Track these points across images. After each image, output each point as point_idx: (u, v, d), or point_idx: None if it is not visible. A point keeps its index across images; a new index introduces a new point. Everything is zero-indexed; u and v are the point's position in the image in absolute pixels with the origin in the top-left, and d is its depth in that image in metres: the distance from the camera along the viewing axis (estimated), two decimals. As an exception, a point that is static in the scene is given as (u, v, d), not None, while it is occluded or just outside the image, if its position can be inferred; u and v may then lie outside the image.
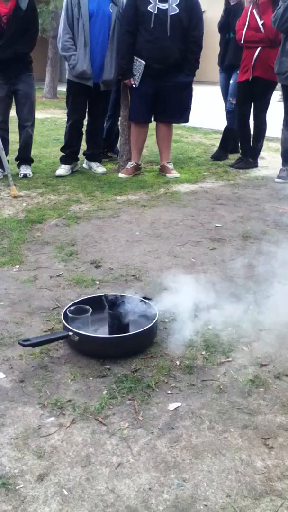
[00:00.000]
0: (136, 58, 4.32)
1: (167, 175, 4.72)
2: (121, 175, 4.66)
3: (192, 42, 4.35)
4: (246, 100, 5.08)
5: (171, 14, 4.18)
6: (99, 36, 4.30)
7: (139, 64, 4.31)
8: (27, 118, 4.46)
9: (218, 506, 1.27)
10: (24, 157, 4.61)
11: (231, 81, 5.47)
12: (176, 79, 4.39)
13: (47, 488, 1.31)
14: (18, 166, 4.63)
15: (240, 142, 5.41)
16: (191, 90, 4.60)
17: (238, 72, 5.14)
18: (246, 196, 4.21)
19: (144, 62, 4.28)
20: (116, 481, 1.35)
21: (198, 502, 1.28)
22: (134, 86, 4.40)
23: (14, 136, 4.65)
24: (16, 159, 4.64)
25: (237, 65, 5.14)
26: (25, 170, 4.57)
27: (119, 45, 4.36)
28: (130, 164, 4.72)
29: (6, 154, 4.58)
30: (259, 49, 4.75)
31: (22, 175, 4.52)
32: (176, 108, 4.55)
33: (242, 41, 4.86)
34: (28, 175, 4.53)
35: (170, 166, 4.80)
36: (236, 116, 5.29)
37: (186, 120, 4.78)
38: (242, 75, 4.97)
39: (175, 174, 4.73)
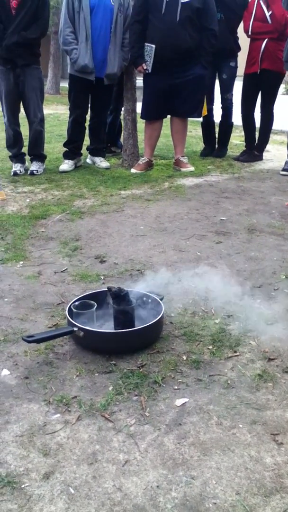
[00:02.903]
0: (146, 44, 4.24)
1: (182, 169, 4.67)
2: (133, 170, 4.61)
3: (212, 35, 4.28)
4: (253, 93, 5.00)
5: (182, 1, 4.11)
6: (100, 30, 4.25)
7: (150, 49, 4.23)
8: (35, 114, 4.38)
9: (228, 504, 1.24)
10: (35, 153, 4.56)
11: (224, 76, 4.99)
12: (193, 72, 4.32)
13: (53, 487, 1.29)
14: (31, 161, 4.59)
15: (245, 135, 5.33)
16: (204, 83, 4.52)
17: (230, 64, 4.92)
18: (251, 189, 4.17)
19: (154, 46, 4.19)
20: (123, 478, 1.32)
21: (207, 500, 1.25)
22: (147, 71, 4.32)
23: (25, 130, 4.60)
24: (29, 155, 4.60)
25: (229, 54, 4.85)
26: (34, 166, 4.52)
27: (129, 35, 4.31)
28: (143, 160, 4.68)
29: (20, 147, 4.56)
30: (266, 40, 4.67)
31: (29, 171, 4.48)
32: (191, 103, 4.48)
33: (249, 33, 4.77)
34: (35, 172, 4.47)
35: (184, 160, 4.75)
36: (241, 109, 5.17)
37: (199, 115, 4.72)
38: (249, 68, 4.88)
39: (189, 167, 4.69)
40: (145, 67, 4.31)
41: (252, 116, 5.14)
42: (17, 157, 4.55)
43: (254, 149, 5.28)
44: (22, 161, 4.59)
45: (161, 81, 4.31)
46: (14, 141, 4.50)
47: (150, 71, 4.31)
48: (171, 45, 4.17)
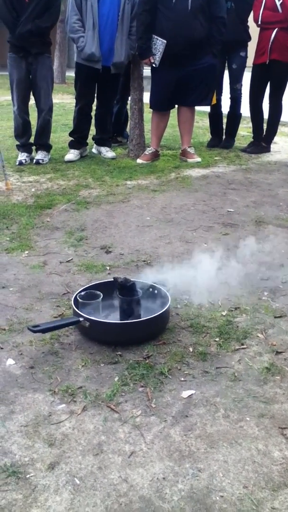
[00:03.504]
0: (155, 37, 4.14)
1: (188, 160, 4.62)
2: (139, 160, 4.56)
3: (221, 23, 4.19)
4: (261, 84, 4.93)
5: None
6: (108, 18, 4.19)
7: (160, 43, 4.14)
8: (44, 102, 4.35)
9: (235, 498, 1.23)
10: (41, 143, 4.52)
11: (233, 66, 4.94)
12: (204, 61, 4.23)
13: (58, 477, 1.28)
14: (36, 151, 4.55)
15: (253, 126, 5.27)
16: (216, 71, 4.46)
17: (240, 54, 4.84)
18: (259, 181, 4.12)
19: (165, 41, 4.11)
20: (129, 470, 1.31)
21: (214, 492, 1.24)
22: (154, 65, 4.25)
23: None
24: (34, 144, 4.56)
25: (239, 43, 4.77)
26: (39, 155, 4.48)
27: (136, 25, 4.23)
28: (149, 150, 4.63)
29: (29, 137, 4.53)
30: (276, 30, 4.60)
31: (35, 160, 4.45)
32: (201, 91, 4.41)
33: (259, 22, 4.70)
34: (40, 161, 4.44)
35: (191, 150, 4.70)
36: (249, 99, 5.09)
37: (209, 103, 4.66)
38: (258, 58, 4.80)
39: (196, 158, 4.63)
40: (152, 61, 4.23)
41: (260, 106, 5.07)
42: (24, 147, 4.53)
43: (262, 140, 5.22)
44: (29, 151, 4.56)
45: (172, 71, 4.23)
46: (23, 130, 4.46)
47: (157, 65, 4.22)
48: (183, 36, 4.07)
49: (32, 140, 4.57)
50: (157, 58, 4.21)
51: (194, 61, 4.22)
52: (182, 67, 4.21)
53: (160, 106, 4.52)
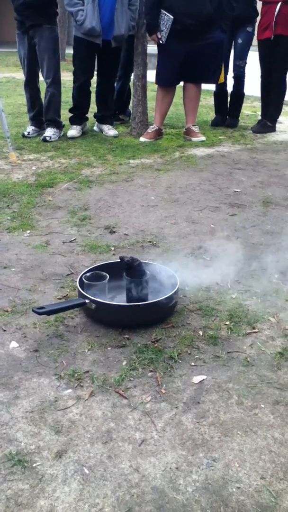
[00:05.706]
0: (163, 12, 3.99)
1: (192, 138, 4.50)
2: (142, 139, 4.44)
3: None
4: (268, 60, 4.76)
5: None
6: (108, -11, 4.02)
7: (167, 18, 3.99)
8: (47, 75, 4.24)
9: (252, 489, 1.17)
10: (48, 118, 4.41)
11: (239, 41, 4.79)
12: (211, 36, 4.10)
13: (66, 466, 1.22)
14: (46, 127, 4.46)
15: (261, 104, 5.10)
16: (223, 47, 4.33)
17: (247, 29, 4.70)
18: (265, 161, 4.02)
19: (172, 17, 3.97)
20: (140, 459, 1.25)
21: (230, 483, 1.18)
22: (161, 42, 4.10)
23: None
24: (44, 120, 4.47)
25: (246, 19, 4.65)
26: (47, 132, 4.37)
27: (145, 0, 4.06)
28: (152, 128, 4.51)
29: (38, 111, 4.49)
30: (279, 4, 4.43)
31: (42, 137, 4.34)
32: (208, 68, 4.29)
33: None
34: (48, 138, 4.32)
35: (196, 129, 4.57)
36: (261, 78, 4.91)
37: (216, 81, 4.54)
38: (262, 33, 4.65)
39: (200, 137, 4.51)
40: (159, 37, 4.08)
41: (268, 84, 4.88)
42: (32, 120, 4.52)
43: (267, 119, 5.08)
44: (37, 125, 4.52)
45: (180, 46, 4.08)
46: (31, 104, 4.47)
47: (164, 42, 4.07)
48: (190, 12, 3.94)
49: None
50: (164, 35, 4.05)
51: (202, 37, 4.07)
52: (190, 42, 4.06)
53: (167, 82, 4.36)
